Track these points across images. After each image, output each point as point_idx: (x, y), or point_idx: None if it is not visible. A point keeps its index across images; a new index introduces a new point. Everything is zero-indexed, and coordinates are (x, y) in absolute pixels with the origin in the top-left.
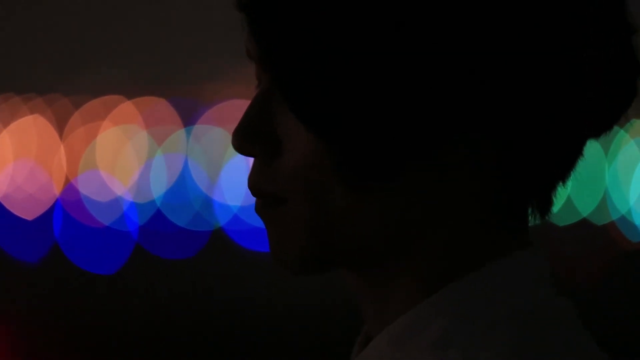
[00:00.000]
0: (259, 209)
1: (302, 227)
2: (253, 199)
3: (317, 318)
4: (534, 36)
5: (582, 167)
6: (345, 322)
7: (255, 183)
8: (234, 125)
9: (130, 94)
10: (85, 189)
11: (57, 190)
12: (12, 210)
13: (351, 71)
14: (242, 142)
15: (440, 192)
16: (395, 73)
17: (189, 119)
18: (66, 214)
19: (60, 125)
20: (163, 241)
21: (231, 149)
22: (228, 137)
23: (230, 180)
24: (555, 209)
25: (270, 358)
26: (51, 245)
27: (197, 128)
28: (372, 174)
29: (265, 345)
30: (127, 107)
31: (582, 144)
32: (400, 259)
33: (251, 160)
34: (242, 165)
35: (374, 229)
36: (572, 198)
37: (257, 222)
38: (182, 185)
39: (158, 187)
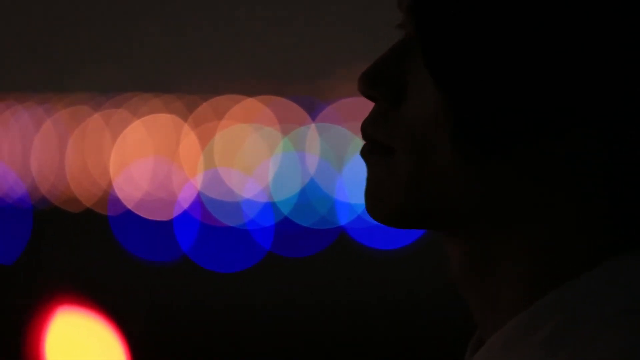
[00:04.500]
0: (365, 152)
1: (403, 180)
2: None
3: (438, 315)
4: None
5: None
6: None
7: (368, 127)
8: (354, 122)
9: (250, 92)
10: (209, 189)
11: (178, 191)
12: (140, 213)
13: (493, 41)
14: (368, 83)
15: (547, 178)
16: (533, 54)
17: (310, 116)
18: (193, 215)
19: (181, 124)
20: (288, 240)
21: (353, 147)
22: (349, 135)
23: (353, 177)
24: None
25: (393, 355)
26: (180, 246)
27: (320, 126)
28: (486, 140)
29: (385, 340)
30: (248, 104)
31: None
32: (501, 243)
33: None
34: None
35: (470, 195)
36: None
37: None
38: (307, 183)
39: (282, 185)
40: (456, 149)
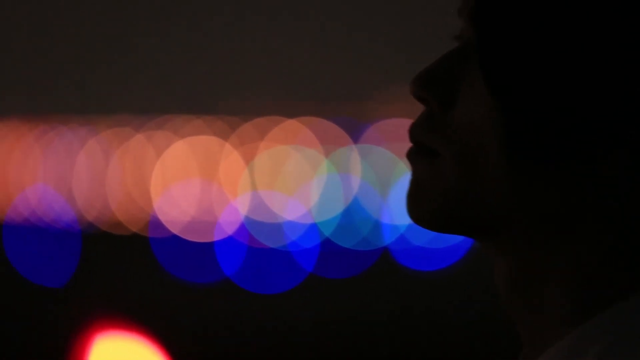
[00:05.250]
0: (411, 154)
1: (446, 185)
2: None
3: (480, 336)
4: None
5: None
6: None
7: (415, 130)
8: (397, 143)
9: (290, 114)
10: (250, 210)
11: (219, 212)
12: (181, 234)
13: (555, 53)
14: (420, 84)
15: (597, 196)
16: (595, 68)
17: (351, 137)
18: (235, 237)
19: (222, 145)
20: (330, 261)
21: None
22: (392, 156)
23: (396, 198)
24: None
25: None
26: (222, 268)
27: (360, 147)
28: (538, 151)
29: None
30: (289, 126)
31: None
32: (547, 260)
33: None
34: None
35: (515, 206)
36: None
37: (422, 242)
38: (350, 205)
39: (324, 207)
40: (506, 158)
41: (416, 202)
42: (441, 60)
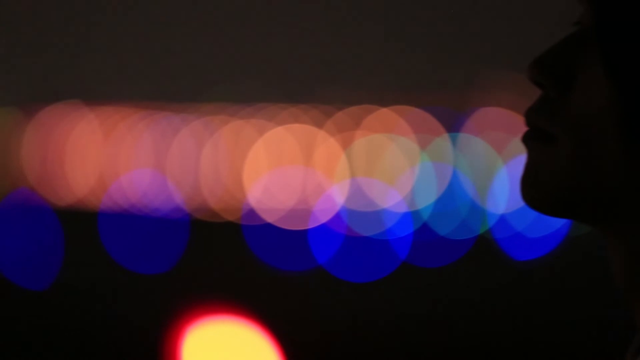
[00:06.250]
0: (526, 138)
1: (563, 169)
2: (516, 206)
3: (578, 323)
4: None
5: None
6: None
7: (532, 114)
8: (495, 133)
9: (383, 103)
10: (346, 199)
11: (314, 201)
12: (275, 223)
13: None
14: (538, 69)
15: None
16: None
17: (444, 126)
18: (331, 226)
19: (316, 133)
20: (425, 249)
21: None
22: (486, 145)
23: (496, 188)
24: None
25: None
26: (315, 257)
27: (459, 136)
28: None
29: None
30: (382, 115)
31: None
32: None
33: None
34: (503, 174)
35: (632, 191)
36: None
37: (518, 230)
38: (443, 193)
39: (419, 195)
40: (624, 142)
41: (532, 185)
42: (559, 45)
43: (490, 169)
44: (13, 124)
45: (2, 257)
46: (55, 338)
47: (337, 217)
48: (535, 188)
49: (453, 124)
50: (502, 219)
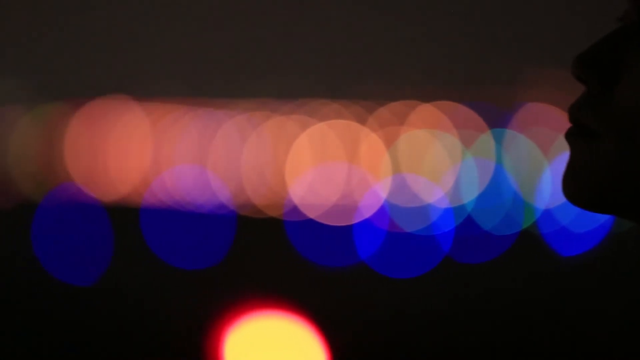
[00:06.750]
0: (570, 135)
1: (607, 166)
2: (559, 202)
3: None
4: None
5: None
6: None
7: (575, 110)
8: (539, 130)
9: (426, 98)
10: (391, 195)
11: (359, 196)
12: (318, 218)
13: None
14: (582, 65)
15: None
16: None
17: (490, 123)
18: (376, 223)
19: (359, 129)
20: (468, 244)
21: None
22: (527, 141)
23: (541, 183)
24: None
25: None
26: (358, 253)
27: (503, 132)
28: None
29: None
30: (424, 110)
31: None
32: None
33: None
34: (547, 171)
35: None
36: None
37: (561, 226)
38: (492, 189)
39: (467, 192)
40: None
41: (575, 183)
42: (602, 41)
43: (535, 166)
44: (59, 118)
45: (46, 253)
46: (100, 334)
47: (380, 212)
48: (578, 185)
49: (496, 120)
50: (547, 213)
